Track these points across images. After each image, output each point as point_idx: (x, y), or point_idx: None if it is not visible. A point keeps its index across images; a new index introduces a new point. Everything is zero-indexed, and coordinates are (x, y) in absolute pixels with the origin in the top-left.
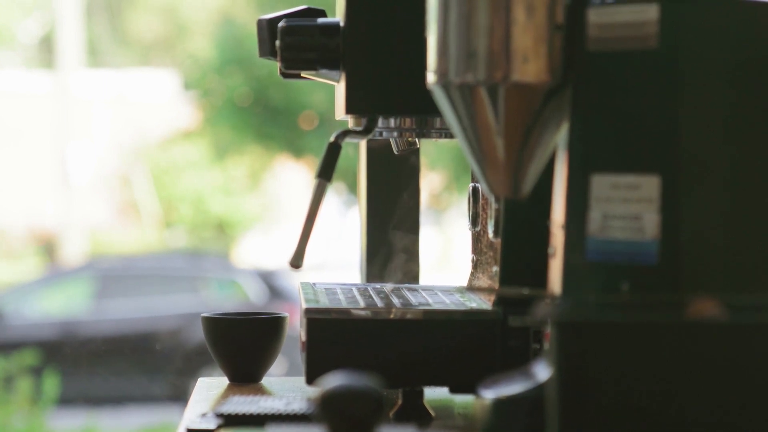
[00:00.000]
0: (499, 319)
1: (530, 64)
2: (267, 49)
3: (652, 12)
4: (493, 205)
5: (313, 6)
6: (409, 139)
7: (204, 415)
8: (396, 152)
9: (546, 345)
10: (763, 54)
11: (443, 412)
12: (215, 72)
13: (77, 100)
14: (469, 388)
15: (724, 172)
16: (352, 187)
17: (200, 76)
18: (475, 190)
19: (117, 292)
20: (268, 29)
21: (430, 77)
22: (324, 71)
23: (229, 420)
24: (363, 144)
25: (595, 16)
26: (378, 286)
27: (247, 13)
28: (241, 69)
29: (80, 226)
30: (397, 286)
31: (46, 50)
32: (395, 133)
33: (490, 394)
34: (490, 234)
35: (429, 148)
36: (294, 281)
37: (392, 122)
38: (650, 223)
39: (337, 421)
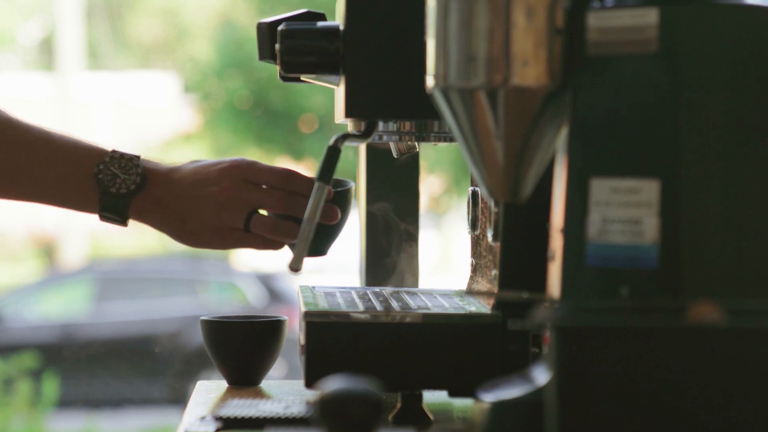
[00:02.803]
0: (499, 323)
1: (530, 68)
2: (267, 52)
3: (651, 16)
4: (493, 209)
5: (313, 9)
6: (409, 142)
7: (203, 418)
8: (395, 156)
9: (545, 349)
10: (763, 58)
11: (442, 415)
12: (215, 75)
13: (78, 103)
14: (468, 391)
15: (724, 175)
16: None
17: (200, 79)
18: (474, 194)
19: (116, 295)
20: (267, 32)
21: (430, 81)
22: (324, 75)
23: (228, 423)
24: (362, 147)
25: (594, 20)
26: (377, 289)
27: (247, 17)
28: (241, 72)
29: (80, 229)
30: (397, 289)
31: (47, 53)
32: (395, 137)
33: (489, 398)
34: (490, 238)
35: (429, 152)
36: (293, 284)
37: (392, 126)
38: (650, 228)
39: (335, 425)
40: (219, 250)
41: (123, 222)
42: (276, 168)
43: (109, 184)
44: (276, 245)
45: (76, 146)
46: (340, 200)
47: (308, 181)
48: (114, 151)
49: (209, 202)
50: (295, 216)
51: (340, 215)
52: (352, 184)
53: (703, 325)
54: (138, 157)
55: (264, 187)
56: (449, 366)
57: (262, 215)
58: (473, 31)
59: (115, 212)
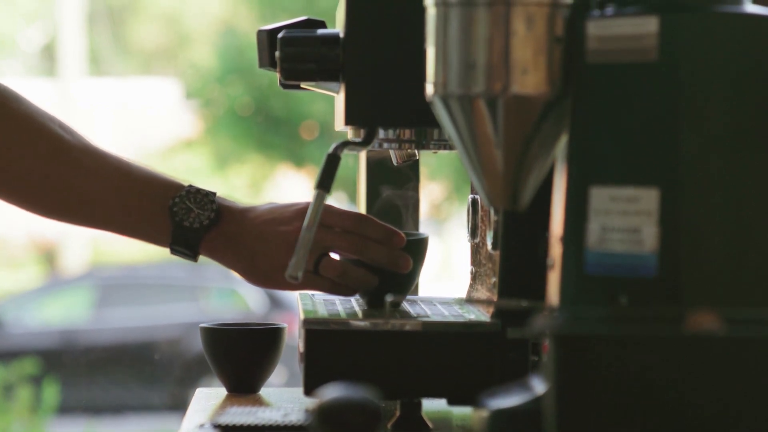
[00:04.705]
0: (498, 331)
1: (529, 76)
2: (266, 59)
3: (651, 24)
4: (492, 217)
5: (313, 17)
6: (409, 150)
7: (202, 425)
8: (395, 164)
9: (544, 357)
10: (763, 66)
11: (441, 423)
12: (216, 81)
13: (79, 108)
14: (468, 399)
15: (724, 184)
16: (353, 197)
17: (202, 86)
18: (474, 202)
19: (117, 301)
20: (267, 40)
21: (430, 89)
22: (323, 82)
23: (227, 431)
24: (363, 154)
25: (594, 28)
26: None
27: (248, 23)
28: (242, 78)
29: (81, 235)
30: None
31: (48, 58)
32: (395, 145)
33: (488, 406)
34: (489, 246)
35: (429, 159)
36: (294, 292)
37: (391, 133)
38: (649, 236)
39: None
40: (287, 290)
41: (193, 257)
42: (349, 212)
43: (183, 218)
44: (344, 290)
45: (153, 178)
46: (413, 250)
47: (382, 228)
48: (191, 186)
49: (281, 241)
50: (365, 261)
51: (412, 264)
52: (427, 235)
53: (702, 334)
54: (214, 194)
55: (336, 230)
56: (448, 374)
57: (333, 259)
58: (473, 39)
59: (187, 246)
